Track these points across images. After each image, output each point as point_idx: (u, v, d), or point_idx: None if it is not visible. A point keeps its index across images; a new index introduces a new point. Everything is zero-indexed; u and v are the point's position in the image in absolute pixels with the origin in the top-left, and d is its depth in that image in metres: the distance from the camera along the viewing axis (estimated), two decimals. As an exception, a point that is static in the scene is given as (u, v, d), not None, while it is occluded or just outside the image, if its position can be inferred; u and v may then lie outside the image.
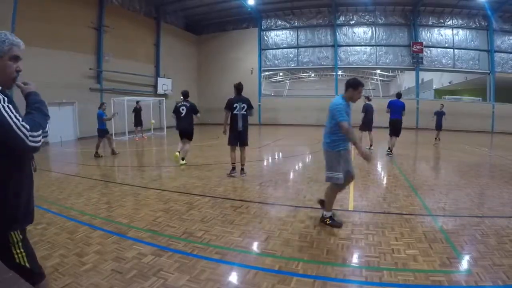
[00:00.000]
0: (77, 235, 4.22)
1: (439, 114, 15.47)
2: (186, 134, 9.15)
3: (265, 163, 10.14)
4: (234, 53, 27.11)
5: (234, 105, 7.47)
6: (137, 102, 16.82)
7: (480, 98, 26.03)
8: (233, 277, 3.26)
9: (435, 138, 15.50)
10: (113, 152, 11.39)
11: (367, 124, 12.16)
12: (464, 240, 4.11)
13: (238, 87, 7.58)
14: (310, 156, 11.26)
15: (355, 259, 3.65)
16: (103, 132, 11.08)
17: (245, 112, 7.53)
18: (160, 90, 22.84)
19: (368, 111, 11.98)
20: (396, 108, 10.90)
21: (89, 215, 5.03)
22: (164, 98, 21.24)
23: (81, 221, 4.78)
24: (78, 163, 10.75)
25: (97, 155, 10.92)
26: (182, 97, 9.24)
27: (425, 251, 3.77)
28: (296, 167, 9.53)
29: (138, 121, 16.54)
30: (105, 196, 6.20)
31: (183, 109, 8.96)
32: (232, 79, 24.87)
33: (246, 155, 7.92)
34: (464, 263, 3.56)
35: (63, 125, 16.27)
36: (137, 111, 16.47)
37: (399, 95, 11.29)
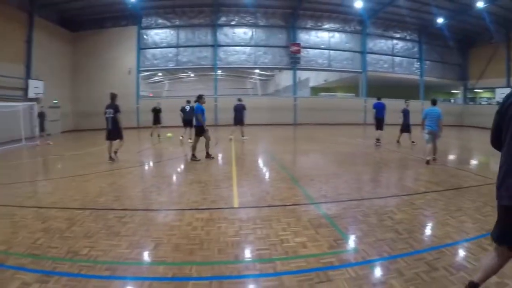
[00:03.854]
0: None
1: (407, 112, 13.61)
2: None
3: (144, 168, 9.64)
4: (112, 52, 24.94)
5: (105, 111, 9.89)
6: (41, 106, 17.04)
7: (354, 94, 29.52)
8: (127, 292, 3.00)
9: (410, 141, 13.45)
10: None
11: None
12: (347, 222, 4.52)
13: (112, 96, 9.97)
14: (188, 158, 10.93)
15: (247, 254, 3.68)
16: None
17: (112, 115, 9.76)
18: (31, 94, 19.44)
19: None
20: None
21: None
22: (35, 103, 18.00)
23: None
24: None
25: None
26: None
27: (312, 237, 4.00)
28: (178, 169, 9.28)
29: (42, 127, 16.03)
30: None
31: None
32: (109, 80, 23.44)
33: (118, 146, 10.19)
34: (350, 243, 3.91)
35: None
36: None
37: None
